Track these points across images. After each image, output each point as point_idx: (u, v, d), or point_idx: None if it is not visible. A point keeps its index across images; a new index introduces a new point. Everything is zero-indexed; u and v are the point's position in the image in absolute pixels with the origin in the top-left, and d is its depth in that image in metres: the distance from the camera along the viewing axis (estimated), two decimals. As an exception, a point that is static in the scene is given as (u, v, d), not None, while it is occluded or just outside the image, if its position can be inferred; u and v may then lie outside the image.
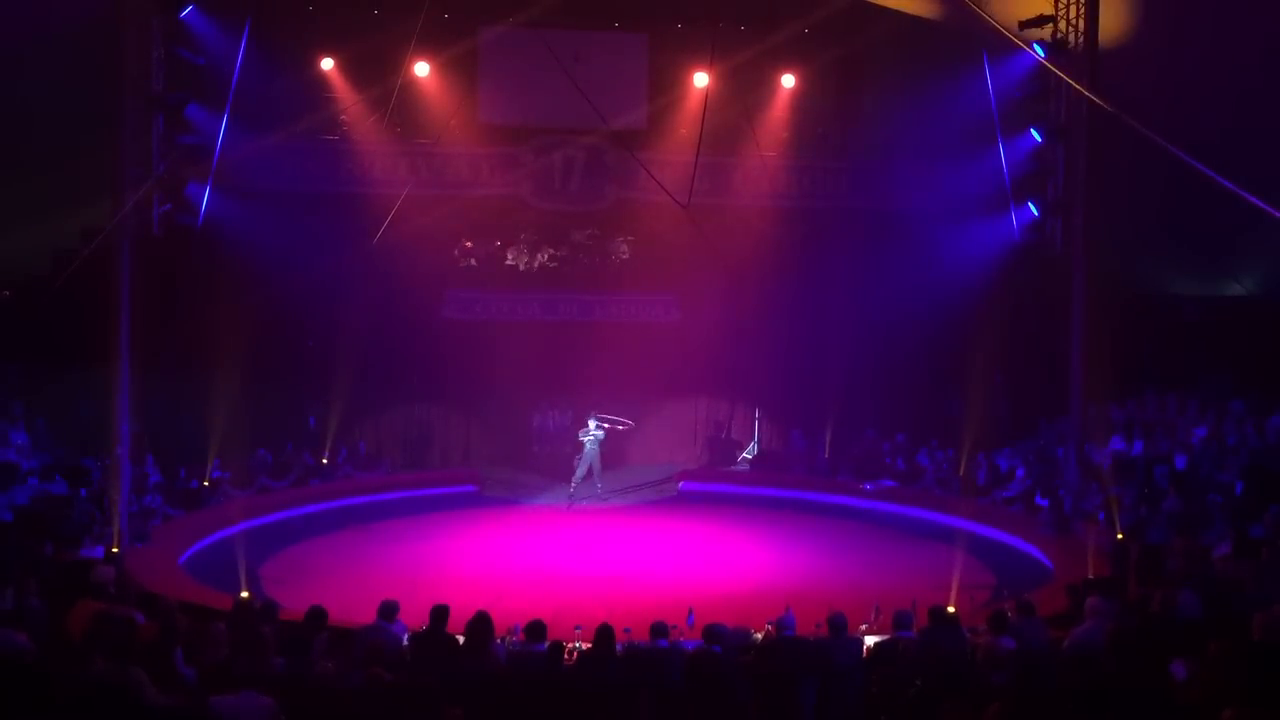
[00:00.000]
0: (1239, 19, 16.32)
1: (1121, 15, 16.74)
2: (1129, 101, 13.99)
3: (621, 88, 19.29)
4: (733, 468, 21.70)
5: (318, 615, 9.11)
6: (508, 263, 20.80)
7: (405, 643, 9.20)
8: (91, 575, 10.76)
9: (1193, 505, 14.68)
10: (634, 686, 7.97)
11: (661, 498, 19.97)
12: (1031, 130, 18.22)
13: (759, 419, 22.21)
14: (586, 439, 19.11)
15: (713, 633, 8.72)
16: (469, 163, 20.09)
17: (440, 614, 8.97)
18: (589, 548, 16.54)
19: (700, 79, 18.56)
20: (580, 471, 19.06)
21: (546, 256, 20.82)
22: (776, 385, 21.62)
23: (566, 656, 8.94)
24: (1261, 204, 9.05)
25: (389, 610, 9.52)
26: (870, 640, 9.82)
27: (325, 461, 19.88)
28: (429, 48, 18.70)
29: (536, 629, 8.79)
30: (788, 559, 16.05)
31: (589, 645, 8.69)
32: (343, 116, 19.39)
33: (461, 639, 8.75)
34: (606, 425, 19.19)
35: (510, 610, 11.28)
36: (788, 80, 19.74)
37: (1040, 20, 17.19)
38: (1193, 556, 12.06)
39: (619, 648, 8.84)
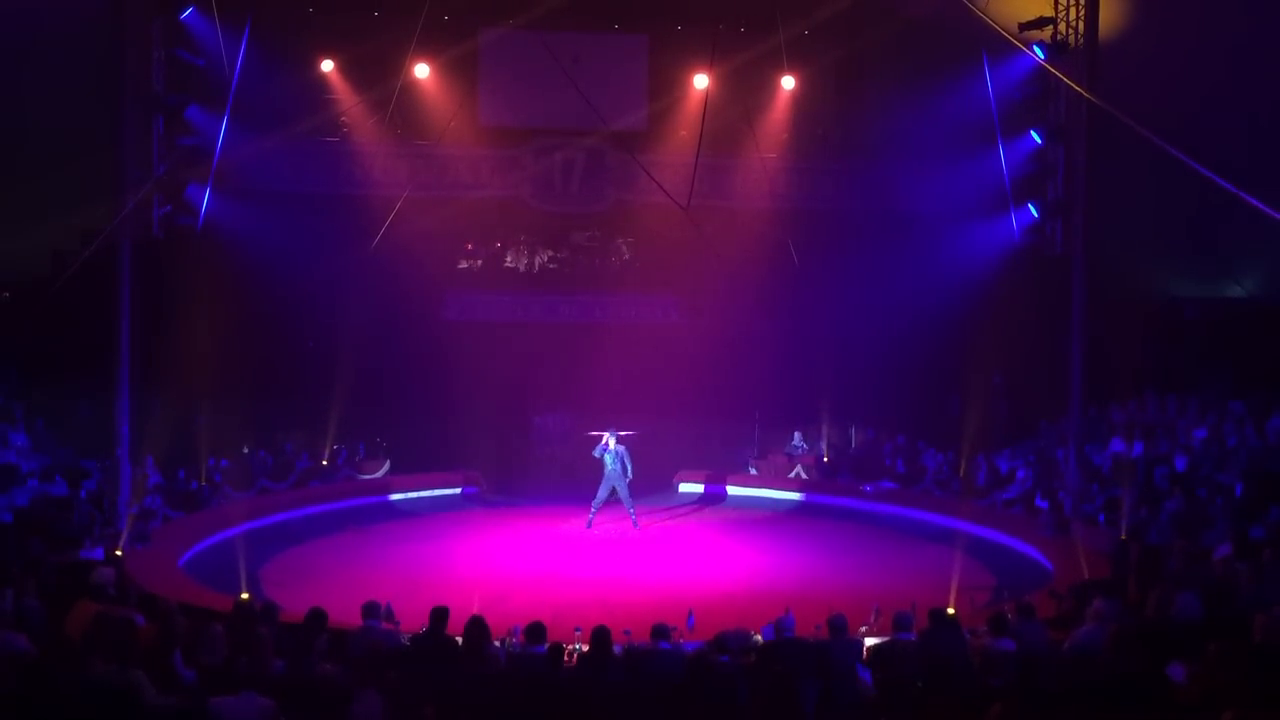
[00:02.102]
0: (1239, 22, 16.34)
1: (1121, 17, 16.76)
2: (1129, 103, 13.99)
3: (621, 89, 19.29)
4: (732, 469, 21.67)
5: (318, 617, 9.10)
6: (508, 264, 20.81)
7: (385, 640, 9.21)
8: (91, 576, 10.76)
9: (1193, 507, 14.67)
10: (633, 688, 7.96)
11: (661, 499, 19.95)
12: (1031, 132, 18.22)
13: (759, 420, 22.18)
14: (606, 456, 17.29)
15: (722, 642, 8.73)
16: (469, 164, 20.11)
17: (440, 616, 8.96)
18: (589, 549, 16.53)
19: (700, 80, 18.56)
20: (601, 494, 17.32)
21: (547, 258, 20.83)
22: (776, 387, 21.60)
23: (566, 658, 8.94)
24: (1261, 205, 9.05)
25: (373, 610, 9.55)
26: (870, 642, 9.82)
27: (325, 463, 19.89)
28: (429, 49, 18.71)
29: (536, 631, 8.78)
30: (788, 560, 16.04)
31: (588, 647, 8.68)
32: (343, 118, 19.40)
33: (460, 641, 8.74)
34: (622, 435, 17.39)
35: (510, 612, 11.29)
36: (788, 82, 19.72)
37: (1040, 22, 17.20)
38: (1193, 558, 12.06)
39: (618, 650, 8.84)
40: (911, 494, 19.19)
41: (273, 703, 6.99)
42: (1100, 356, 16.82)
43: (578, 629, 10.27)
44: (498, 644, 9.31)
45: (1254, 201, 9.03)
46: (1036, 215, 18.49)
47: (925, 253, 19.06)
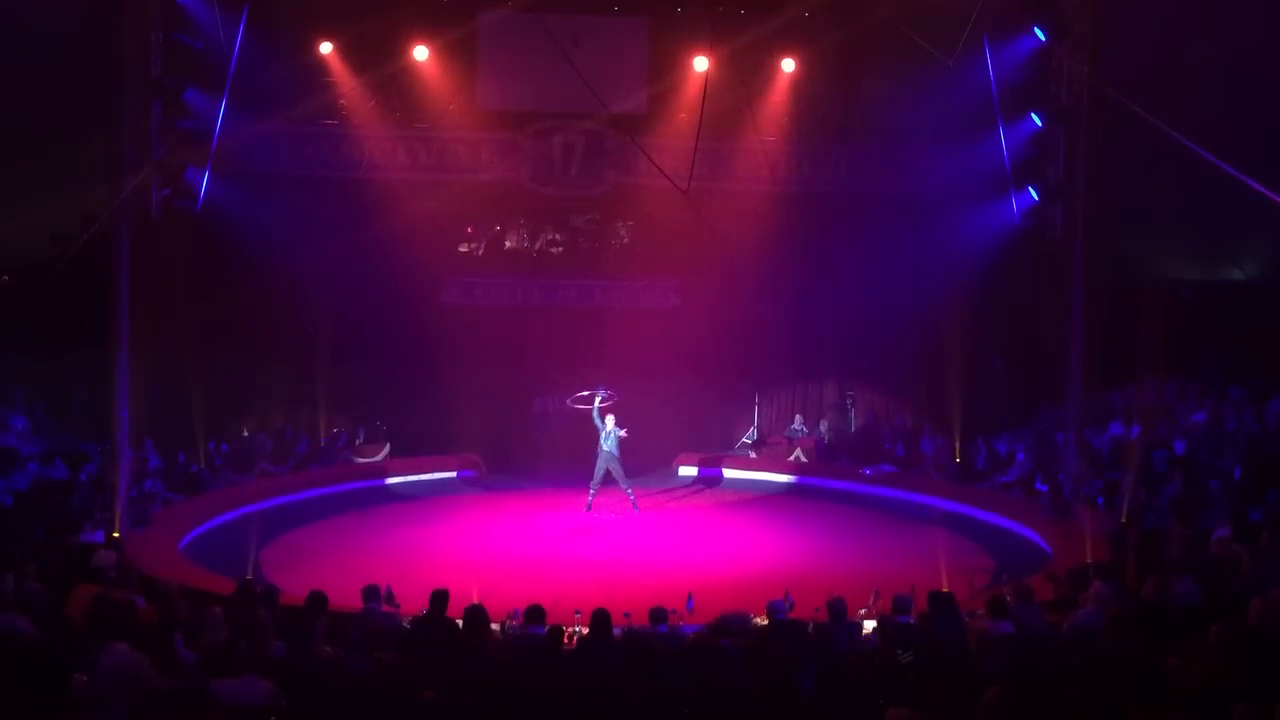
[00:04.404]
0: (1240, 4, 16.30)
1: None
2: (1130, 86, 13.97)
3: (621, 72, 19.19)
4: (732, 452, 21.71)
5: (318, 600, 9.13)
6: (507, 247, 20.79)
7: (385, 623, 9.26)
8: (93, 560, 10.80)
9: (1192, 490, 14.69)
10: (632, 671, 7.98)
11: (660, 482, 19.98)
12: (1032, 114, 18.17)
13: (758, 404, 22.21)
14: (602, 436, 17.16)
15: (723, 625, 8.76)
16: (468, 147, 20.05)
17: (440, 598, 8.99)
18: (589, 532, 16.56)
19: (700, 63, 18.47)
20: (598, 475, 17.21)
21: (546, 241, 20.80)
22: (776, 370, 21.66)
23: (566, 641, 8.97)
24: (1262, 188, 9.04)
25: (373, 593, 9.59)
26: (869, 625, 9.85)
27: (324, 446, 19.92)
28: (428, 32, 18.70)
29: (536, 613, 8.81)
30: (787, 543, 16.08)
31: (588, 630, 8.71)
32: (342, 101, 19.35)
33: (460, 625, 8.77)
34: (602, 400, 17.28)
35: (510, 594, 11.31)
36: (788, 65, 19.65)
37: (1042, 3, 17.13)
38: (1191, 541, 12.07)
39: (618, 632, 8.87)
40: (911, 477, 19.21)
41: (273, 685, 7.02)
42: (1100, 340, 16.82)
43: (577, 611, 10.29)
44: (497, 627, 9.34)
45: (1254, 184, 9.03)
46: (1037, 198, 18.47)
47: (925, 235, 19.01)
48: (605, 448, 17.22)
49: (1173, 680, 6.98)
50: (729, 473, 20.57)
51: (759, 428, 22.09)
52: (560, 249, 20.86)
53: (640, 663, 7.93)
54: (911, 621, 9.01)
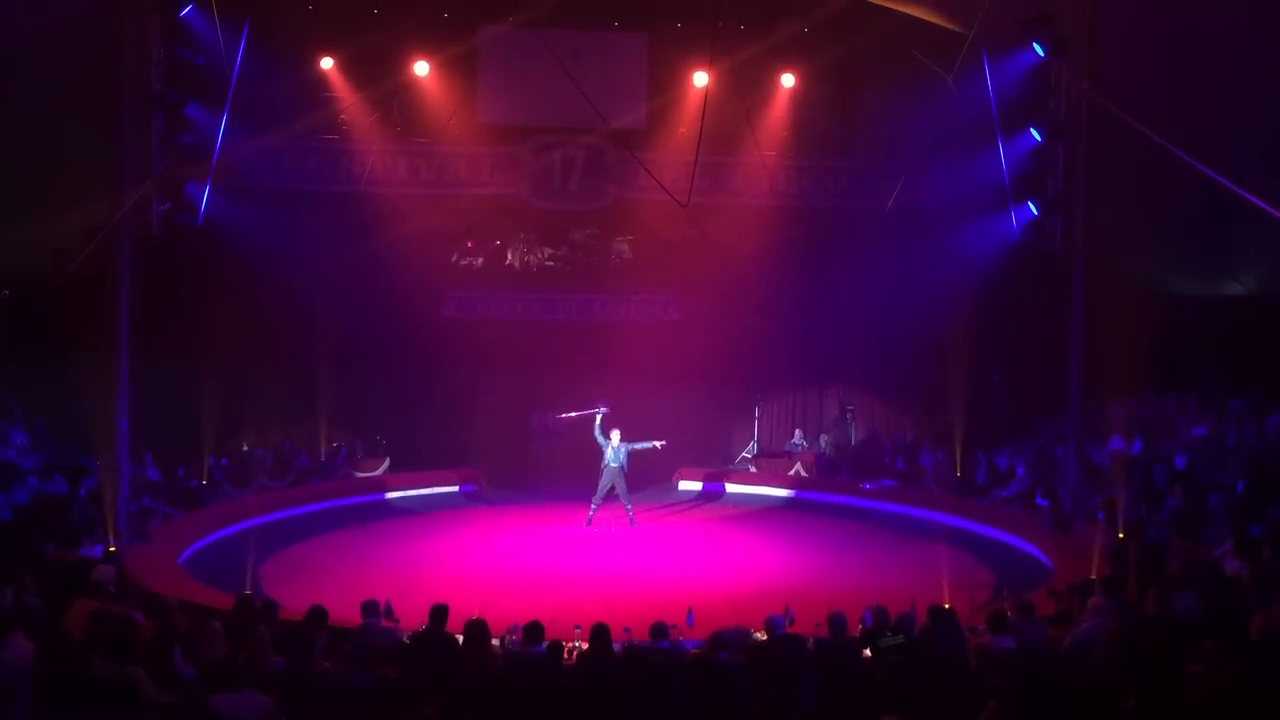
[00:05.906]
0: (1240, 18, 16.34)
1: (1123, 13, 16.74)
2: (1129, 100, 14.00)
3: (621, 87, 19.26)
4: (732, 466, 21.70)
5: (317, 615, 9.10)
6: (507, 262, 20.83)
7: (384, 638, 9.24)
8: (92, 575, 10.77)
9: (1193, 505, 14.67)
10: (632, 687, 7.96)
11: (661, 496, 19.96)
12: (1031, 129, 18.20)
13: (758, 418, 22.20)
14: (607, 451, 17.10)
15: (719, 640, 8.73)
16: (468, 162, 20.10)
17: (439, 613, 8.97)
18: (589, 546, 16.54)
19: (700, 78, 18.53)
20: (601, 489, 17.17)
21: (546, 256, 20.84)
22: (776, 384, 21.67)
23: (566, 656, 8.94)
24: (1261, 203, 9.06)
25: (373, 608, 9.57)
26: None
27: (324, 460, 19.90)
28: (429, 47, 18.76)
29: (534, 631, 8.78)
30: (788, 558, 16.05)
31: (587, 645, 8.69)
32: (342, 115, 19.39)
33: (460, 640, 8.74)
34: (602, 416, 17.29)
35: (510, 609, 11.29)
36: (787, 80, 19.72)
37: (1042, 18, 17.17)
38: (1192, 556, 12.05)
39: (618, 648, 8.85)
40: (911, 491, 19.20)
41: (273, 700, 7.00)
42: (1099, 353, 16.82)
43: (577, 627, 10.26)
44: (496, 642, 9.32)
45: (1253, 199, 9.04)
46: (1036, 212, 18.47)
47: (925, 250, 19.07)
48: (613, 463, 17.12)
49: (1174, 694, 6.96)
50: (729, 487, 20.55)
51: (759, 442, 22.08)
52: (560, 263, 20.89)
53: (640, 678, 7.91)
54: (913, 638, 8.97)
